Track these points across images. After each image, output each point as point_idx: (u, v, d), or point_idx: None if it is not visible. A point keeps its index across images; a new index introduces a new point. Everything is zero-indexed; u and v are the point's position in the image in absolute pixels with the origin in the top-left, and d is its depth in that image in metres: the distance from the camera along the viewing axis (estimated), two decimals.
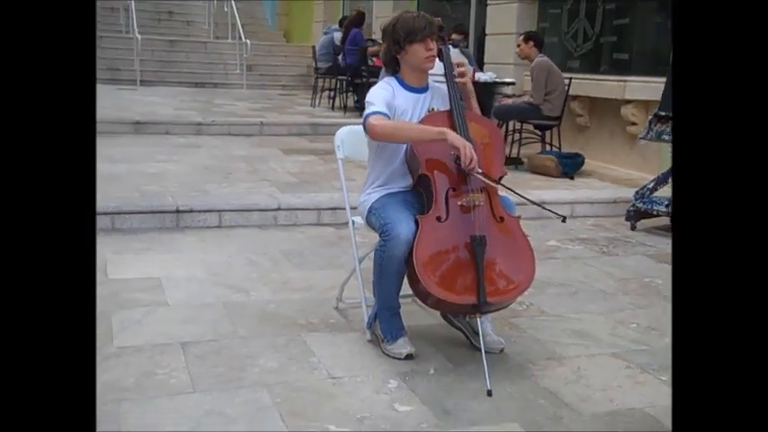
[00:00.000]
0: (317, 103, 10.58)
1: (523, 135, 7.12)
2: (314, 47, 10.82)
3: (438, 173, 2.85)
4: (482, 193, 2.85)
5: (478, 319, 2.99)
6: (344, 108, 10.03)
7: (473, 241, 2.73)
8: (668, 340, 3.23)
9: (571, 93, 7.04)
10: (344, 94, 9.99)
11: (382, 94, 2.95)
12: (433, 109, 3.04)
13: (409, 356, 2.88)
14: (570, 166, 6.43)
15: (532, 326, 3.34)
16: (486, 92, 7.13)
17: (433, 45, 2.94)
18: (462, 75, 3.04)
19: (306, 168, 6.43)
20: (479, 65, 9.26)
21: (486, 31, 9.10)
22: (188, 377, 2.65)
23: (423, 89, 3.05)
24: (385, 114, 2.83)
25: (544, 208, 2.98)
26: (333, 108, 10.24)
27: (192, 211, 4.74)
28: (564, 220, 2.99)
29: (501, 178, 2.96)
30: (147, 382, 2.60)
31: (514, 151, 7.04)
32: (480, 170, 2.77)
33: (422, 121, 2.94)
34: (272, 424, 2.36)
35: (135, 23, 13.86)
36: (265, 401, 2.50)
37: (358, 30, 9.73)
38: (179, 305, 3.36)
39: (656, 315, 3.53)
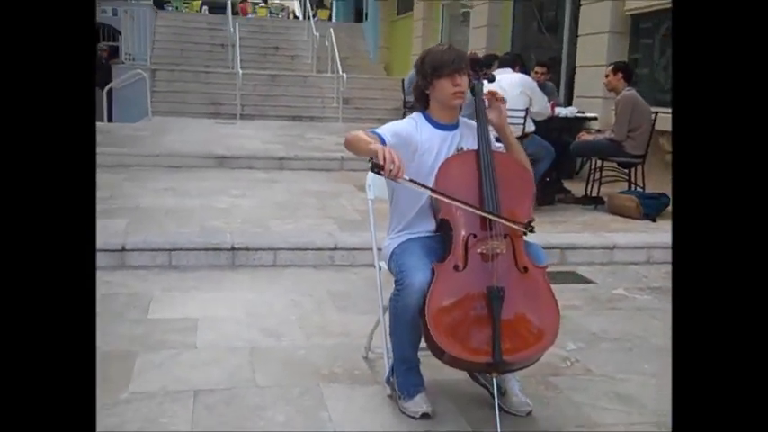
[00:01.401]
0: None
1: (606, 173, 6.79)
2: (403, 80, 10.79)
3: (458, 217, 2.68)
4: (505, 240, 2.66)
5: (505, 376, 2.82)
6: None
7: (490, 293, 2.54)
8: None
9: (661, 128, 6.66)
10: None
11: (400, 125, 2.85)
12: (462, 148, 2.88)
13: (425, 415, 2.71)
14: (652, 208, 6.05)
15: (572, 386, 3.09)
16: (566, 128, 6.86)
17: (462, 80, 2.79)
18: (492, 102, 2.86)
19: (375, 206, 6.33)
20: (569, 98, 8.98)
21: (576, 63, 8.80)
22: (191, 427, 2.58)
23: (451, 126, 2.90)
24: (378, 134, 2.72)
25: (508, 220, 2.69)
26: None
27: (247, 249, 4.73)
28: (529, 231, 2.69)
29: (529, 223, 2.76)
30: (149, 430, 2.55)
31: (594, 190, 6.72)
32: (407, 177, 2.54)
33: (445, 161, 2.78)
34: None
35: (238, 59, 14.33)
36: None
37: None
38: (206, 348, 3.31)
39: None
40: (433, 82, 2.80)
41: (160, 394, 2.83)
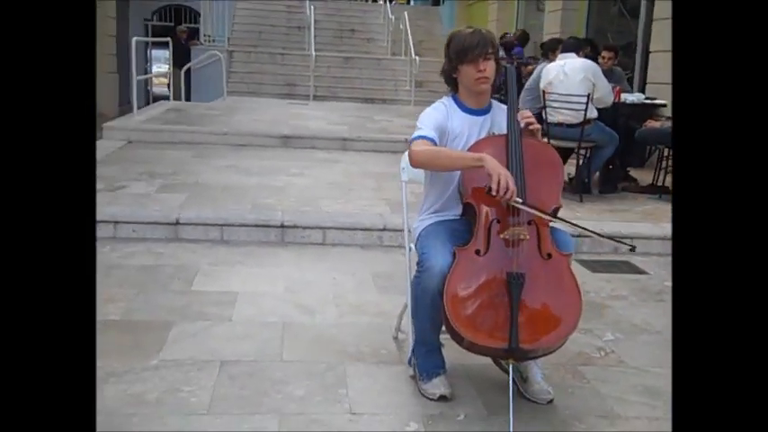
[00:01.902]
0: None
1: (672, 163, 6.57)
2: None
3: (483, 202, 2.64)
4: (530, 227, 2.61)
5: (527, 364, 2.79)
6: None
7: (509, 279, 2.50)
8: None
9: None
10: None
11: (433, 116, 2.80)
12: (493, 133, 2.84)
13: (443, 398, 2.70)
14: None
15: (600, 377, 3.02)
16: (634, 114, 6.67)
17: (486, 65, 2.72)
18: (529, 127, 2.78)
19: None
20: (643, 84, 8.72)
21: (650, 48, 8.53)
22: (209, 397, 2.65)
23: (482, 111, 2.85)
24: (431, 139, 2.67)
25: (602, 236, 2.67)
26: None
27: (296, 226, 4.80)
28: (633, 250, 2.67)
29: (556, 210, 2.71)
30: (168, 399, 2.63)
31: (661, 179, 6.52)
32: (520, 200, 2.53)
33: (475, 145, 2.75)
34: None
35: (312, 41, 14.47)
36: (270, 430, 2.44)
37: (521, 48, 9.45)
38: (241, 322, 3.38)
39: None
40: (458, 67, 2.76)
41: (188, 363, 2.92)
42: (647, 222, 5.39)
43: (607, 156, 6.24)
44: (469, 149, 2.72)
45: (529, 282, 2.51)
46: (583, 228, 2.75)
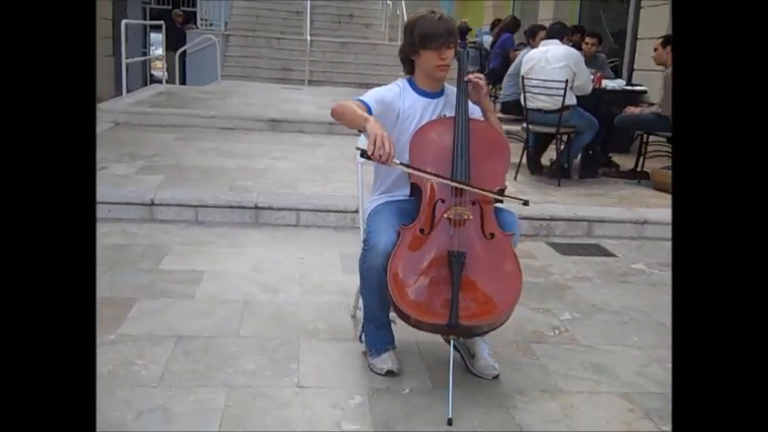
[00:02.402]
0: None
1: (657, 149, 6.61)
2: None
3: (427, 182, 2.70)
4: (474, 207, 2.67)
5: (474, 340, 2.85)
6: None
7: (450, 257, 2.56)
8: None
9: None
10: None
11: (381, 91, 2.85)
12: (444, 115, 2.89)
13: (390, 373, 2.77)
14: None
15: (550, 354, 3.09)
16: (616, 101, 6.69)
17: (448, 54, 2.77)
18: (476, 85, 2.84)
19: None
20: (630, 72, 8.74)
21: (638, 35, 8.53)
22: (161, 371, 2.72)
23: (436, 94, 2.90)
24: (364, 103, 2.73)
25: (505, 197, 2.73)
26: None
27: (270, 208, 4.86)
28: (525, 203, 2.72)
29: (501, 191, 2.76)
30: (121, 372, 2.70)
31: (639, 164, 6.55)
32: (398, 161, 2.58)
33: (422, 126, 2.80)
34: (205, 426, 2.36)
35: (308, 26, 14.48)
36: (217, 404, 2.51)
37: (510, 35, 9.46)
38: (203, 300, 3.45)
39: None
40: (420, 51, 2.80)
41: (144, 338, 2.98)
42: (621, 207, 5.44)
43: (586, 141, 6.28)
44: (417, 131, 2.77)
45: (470, 260, 2.57)
46: (506, 197, 2.78)
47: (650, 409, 2.65)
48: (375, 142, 2.49)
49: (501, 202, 2.80)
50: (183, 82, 13.49)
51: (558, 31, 6.44)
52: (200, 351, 2.90)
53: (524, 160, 6.47)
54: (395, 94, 2.86)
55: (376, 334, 2.83)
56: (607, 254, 4.70)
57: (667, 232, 5.10)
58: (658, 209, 5.39)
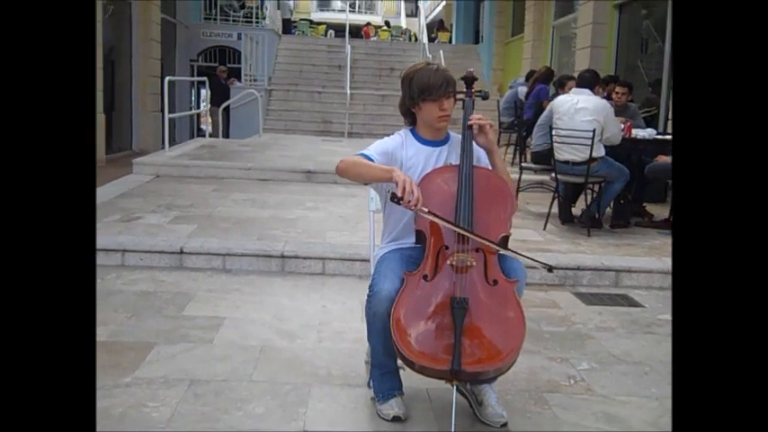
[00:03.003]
0: None
1: None
2: (498, 101, 10.79)
3: (432, 229, 2.73)
4: (477, 254, 2.69)
5: (482, 388, 2.85)
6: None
7: (452, 303, 2.58)
8: None
9: None
10: (520, 150, 9.77)
11: (384, 142, 2.90)
12: (450, 163, 2.93)
13: (396, 418, 2.77)
14: None
15: (563, 404, 3.05)
16: (647, 150, 6.66)
17: (448, 104, 2.83)
18: (481, 128, 2.89)
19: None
20: (666, 120, 8.70)
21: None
22: (170, 412, 2.76)
23: (439, 142, 2.95)
24: (368, 158, 2.78)
25: (527, 257, 2.75)
26: (512, 164, 10.08)
27: (296, 257, 4.93)
28: (550, 270, 2.74)
29: (505, 239, 2.77)
30: (132, 413, 2.75)
31: (672, 214, 6.48)
32: (426, 209, 2.61)
33: (426, 174, 2.84)
34: None
35: (348, 79, 14.80)
36: None
37: (544, 85, 9.53)
38: (221, 345, 3.51)
39: None
40: (420, 104, 2.85)
41: (159, 381, 3.04)
42: (650, 257, 5.38)
43: (617, 190, 6.25)
44: (422, 178, 2.81)
45: (473, 306, 2.58)
46: (510, 250, 2.79)
47: None
48: (405, 188, 2.54)
49: (517, 254, 2.81)
50: (226, 135, 13.84)
51: (589, 80, 6.44)
52: (212, 394, 2.94)
53: (555, 209, 6.45)
54: (397, 143, 2.91)
55: (382, 380, 2.85)
56: (634, 304, 4.64)
57: None
58: None
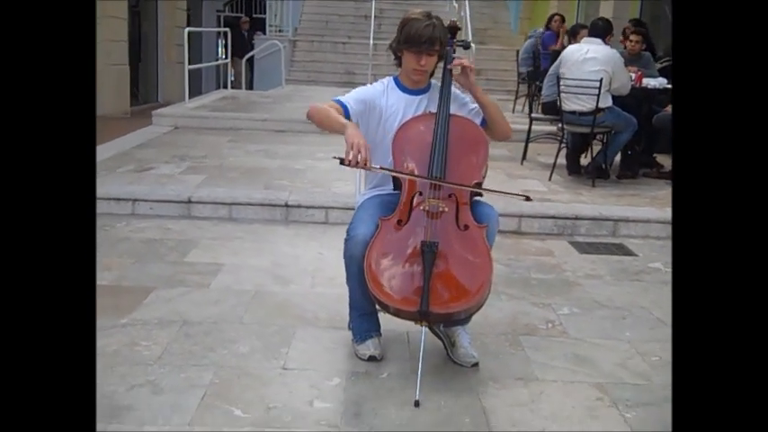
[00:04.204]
0: (515, 108, 10.46)
1: None
2: (517, 51, 10.72)
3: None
4: (449, 200, 2.80)
5: (455, 329, 2.98)
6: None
7: (423, 247, 2.70)
8: None
9: None
10: (532, 101, 9.69)
11: (362, 90, 3.00)
12: (429, 111, 3.01)
13: (372, 358, 2.92)
14: None
15: (536, 345, 3.18)
16: (657, 99, 6.64)
17: (427, 61, 2.89)
18: (463, 69, 2.94)
19: None
20: None
21: None
22: (161, 351, 2.95)
23: (419, 91, 3.02)
24: (342, 105, 2.88)
25: (501, 192, 2.87)
26: (525, 113, 10.05)
27: (299, 206, 5.08)
28: (528, 199, 2.86)
29: (479, 184, 2.88)
30: (125, 351, 2.94)
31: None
32: (377, 166, 2.75)
33: (404, 122, 2.94)
34: (187, 400, 2.57)
35: (372, 29, 14.72)
36: (203, 381, 2.72)
37: (550, 32, 9.47)
38: (217, 289, 3.68)
39: None
40: (403, 51, 2.94)
41: (153, 322, 3.23)
42: (650, 207, 5.43)
43: (624, 141, 6.27)
44: (399, 127, 2.92)
45: (442, 250, 2.70)
46: (483, 189, 2.90)
47: (619, 399, 2.73)
48: (352, 148, 2.65)
49: (480, 195, 2.92)
50: (249, 87, 13.97)
51: (602, 29, 6.40)
52: (201, 335, 3.13)
53: (561, 160, 6.50)
54: (378, 92, 3.00)
55: (360, 321, 2.99)
56: (627, 253, 4.72)
57: None
58: None
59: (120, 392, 2.60)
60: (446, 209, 2.79)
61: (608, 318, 3.56)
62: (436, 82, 3.09)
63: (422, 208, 2.80)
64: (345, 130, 2.71)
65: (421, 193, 2.82)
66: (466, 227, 2.78)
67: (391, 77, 3.09)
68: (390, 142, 2.93)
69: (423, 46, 2.85)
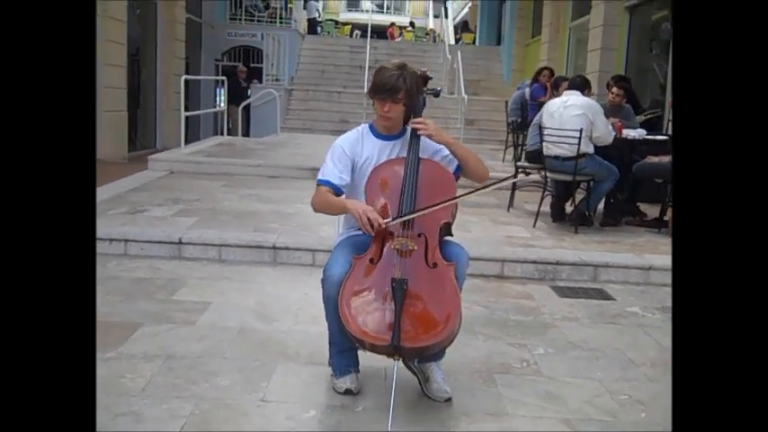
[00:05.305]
0: (504, 158, 10.68)
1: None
2: (506, 102, 10.98)
3: (380, 214, 2.98)
4: (419, 239, 2.94)
5: (429, 365, 3.09)
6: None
7: (393, 283, 2.82)
8: (644, 416, 3.03)
9: None
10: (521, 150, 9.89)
11: (340, 149, 3.14)
12: (401, 156, 3.15)
13: (348, 391, 3.02)
14: None
15: (509, 383, 3.28)
16: (635, 149, 6.84)
17: (391, 108, 3.03)
18: (426, 131, 3.10)
19: None
20: (668, 122, 8.84)
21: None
22: (144, 383, 3.05)
23: (393, 136, 3.17)
24: (332, 185, 3.07)
25: (487, 186, 3.05)
26: (515, 162, 10.25)
27: (287, 248, 5.21)
28: (515, 176, 2.99)
29: (446, 225, 3.02)
30: (111, 382, 3.04)
31: (662, 213, 6.65)
32: (391, 220, 2.93)
33: (376, 166, 3.09)
34: (168, 430, 2.67)
35: (366, 78, 15.06)
36: (184, 411, 2.81)
37: (538, 84, 9.74)
38: (202, 326, 3.79)
39: (661, 392, 3.26)
40: (373, 98, 3.12)
41: (139, 356, 3.33)
42: (630, 253, 5.56)
43: (606, 189, 6.43)
44: (373, 170, 3.07)
45: (412, 287, 2.82)
46: (461, 195, 3.04)
47: None
48: (361, 219, 2.88)
49: (450, 235, 3.06)
50: (246, 134, 14.19)
51: (580, 84, 6.67)
52: (185, 368, 3.23)
53: (545, 208, 6.65)
54: (352, 141, 3.16)
55: (340, 357, 3.10)
56: (606, 297, 4.84)
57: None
58: (667, 255, 5.49)
59: (103, 421, 2.69)
60: (415, 247, 2.92)
61: (581, 358, 3.67)
62: (412, 129, 3.25)
63: (392, 247, 2.94)
64: (348, 208, 2.98)
65: (392, 233, 2.96)
66: (435, 264, 2.91)
67: (366, 124, 3.25)
68: (364, 186, 3.09)
69: (385, 94, 3.02)
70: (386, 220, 2.91)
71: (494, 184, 3.18)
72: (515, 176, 2.99)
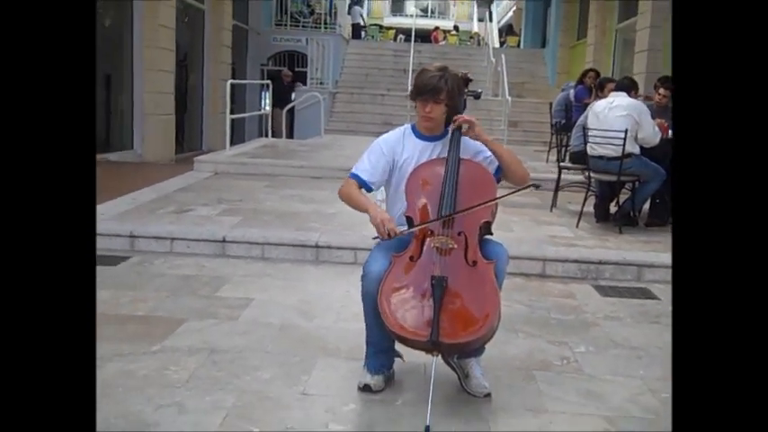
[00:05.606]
0: (549, 158, 10.60)
1: None
2: (551, 103, 10.90)
3: (418, 216, 3.01)
4: (459, 237, 2.95)
5: (468, 361, 3.10)
6: None
7: (433, 281, 2.83)
8: None
9: None
10: (564, 151, 9.82)
11: (378, 147, 3.20)
12: (441, 156, 3.17)
13: (367, 387, 3.03)
14: None
15: (549, 380, 3.27)
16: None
17: (432, 108, 3.06)
18: (470, 125, 3.12)
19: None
20: None
21: None
22: (188, 376, 3.11)
23: (434, 137, 3.19)
24: (361, 180, 3.15)
25: (513, 192, 3.05)
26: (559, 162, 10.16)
27: (329, 247, 5.26)
28: (536, 188, 3.00)
29: (486, 224, 3.02)
30: (154, 375, 3.11)
31: None
32: (405, 229, 2.99)
33: (417, 166, 3.11)
34: (210, 421, 2.72)
35: (410, 82, 15.10)
36: (226, 403, 2.87)
37: (583, 86, 9.65)
38: (245, 322, 3.85)
39: None
40: (415, 99, 3.14)
41: (183, 350, 3.40)
42: None
43: (652, 190, 6.35)
44: (412, 171, 3.10)
45: (452, 284, 2.83)
46: (493, 200, 3.05)
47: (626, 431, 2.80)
48: (378, 227, 2.95)
49: (491, 234, 3.06)
50: (290, 136, 14.33)
51: (627, 86, 6.59)
52: (227, 362, 3.28)
53: (588, 208, 6.59)
54: (393, 141, 3.20)
55: (374, 357, 3.10)
56: (650, 297, 4.78)
57: None
58: None
59: (147, 411, 2.76)
60: (455, 246, 2.93)
61: (622, 357, 3.63)
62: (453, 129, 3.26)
63: (432, 245, 2.95)
64: (368, 213, 3.02)
65: (432, 232, 2.97)
66: (474, 263, 2.92)
67: (409, 125, 3.27)
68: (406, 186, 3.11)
69: (427, 94, 3.05)
70: (401, 229, 2.97)
71: (519, 189, 3.15)
72: (536, 186, 2.99)
